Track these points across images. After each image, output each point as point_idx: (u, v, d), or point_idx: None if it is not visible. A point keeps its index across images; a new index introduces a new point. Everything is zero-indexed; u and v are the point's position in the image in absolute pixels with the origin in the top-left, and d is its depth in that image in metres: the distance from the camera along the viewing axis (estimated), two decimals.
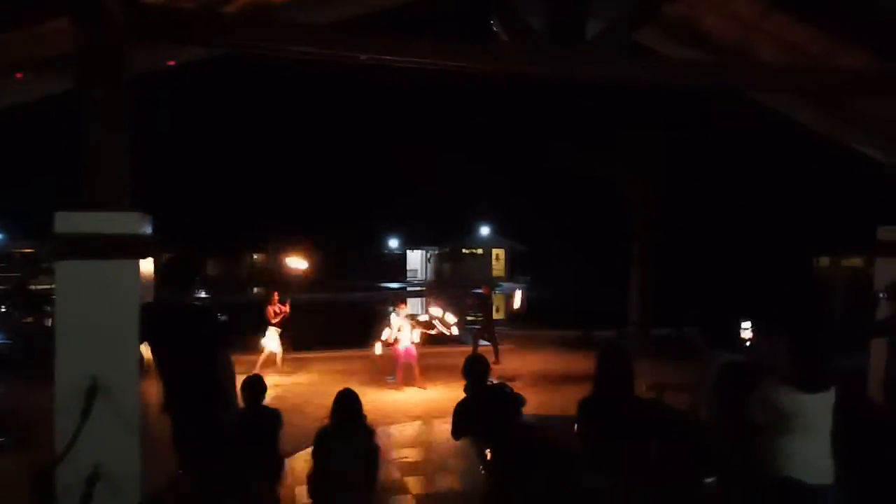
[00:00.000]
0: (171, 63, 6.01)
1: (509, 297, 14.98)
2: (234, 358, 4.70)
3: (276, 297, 12.53)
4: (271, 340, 12.27)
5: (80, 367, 4.29)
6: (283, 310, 12.38)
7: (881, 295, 5.65)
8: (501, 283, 47.93)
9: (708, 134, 17.61)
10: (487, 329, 14.03)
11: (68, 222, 4.35)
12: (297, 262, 12.35)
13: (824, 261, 43.56)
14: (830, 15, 6.20)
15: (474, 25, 5.89)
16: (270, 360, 12.31)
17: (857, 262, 36.87)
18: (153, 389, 4.69)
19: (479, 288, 14.72)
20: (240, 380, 5.02)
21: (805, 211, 37.75)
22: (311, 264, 52.56)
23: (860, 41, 6.28)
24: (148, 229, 4.68)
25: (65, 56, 4.77)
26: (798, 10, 6.38)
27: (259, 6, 5.60)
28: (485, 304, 14.26)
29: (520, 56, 5.58)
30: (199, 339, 4.59)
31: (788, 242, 38.77)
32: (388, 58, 5.39)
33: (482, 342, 13.92)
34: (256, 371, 11.88)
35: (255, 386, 5.16)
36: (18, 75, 5.70)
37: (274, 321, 12.30)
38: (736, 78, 6.40)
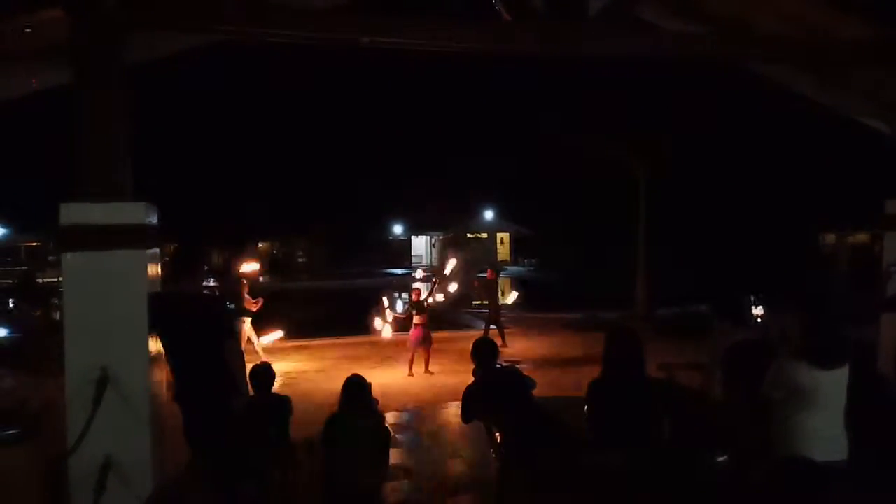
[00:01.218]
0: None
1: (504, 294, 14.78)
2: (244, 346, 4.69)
3: (245, 288, 12.05)
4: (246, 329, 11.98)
5: (90, 359, 4.31)
6: (252, 302, 11.94)
7: (893, 269, 5.60)
8: (507, 267, 47.93)
9: (712, 111, 17.52)
10: (492, 313, 14.03)
11: (73, 214, 4.34)
12: (248, 266, 11.89)
13: (830, 237, 43.43)
14: None
15: (475, 5, 5.83)
16: (274, 348, 12.30)
17: (863, 237, 36.76)
18: (164, 378, 4.69)
19: (484, 272, 14.68)
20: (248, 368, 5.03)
21: (810, 187, 37.57)
22: (317, 251, 52.17)
23: (858, 10, 6.19)
24: (154, 219, 4.66)
25: (64, 46, 4.73)
26: None
27: None
28: (490, 289, 14.24)
29: (523, 35, 5.53)
30: (207, 328, 4.59)
31: (794, 219, 38.60)
32: (390, 40, 5.34)
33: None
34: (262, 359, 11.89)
35: (265, 374, 5.16)
36: (34, 81, 5.69)
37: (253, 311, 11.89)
38: (735, 49, 6.35)
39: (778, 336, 4.11)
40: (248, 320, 11.89)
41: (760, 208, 39.86)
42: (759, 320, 8.41)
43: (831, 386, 3.75)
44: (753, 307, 8.51)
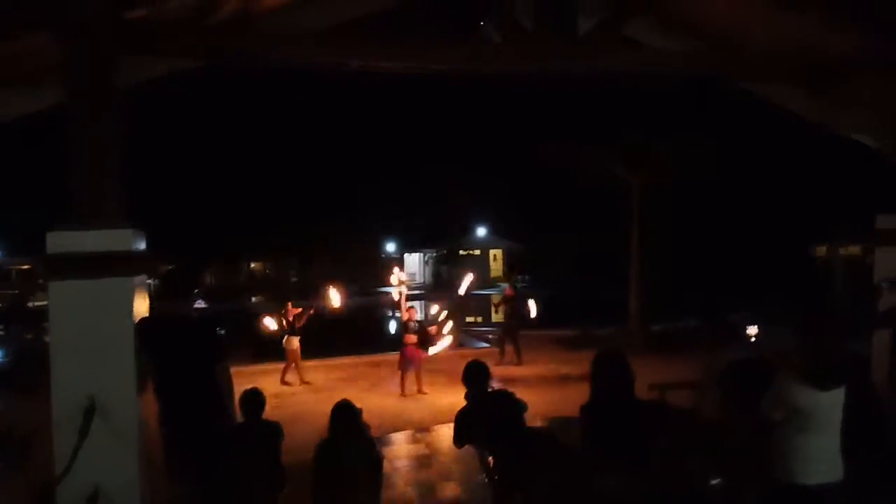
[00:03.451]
0: None
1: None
2: (238, 369, 4.64)
3: (290, 306, 12.34)
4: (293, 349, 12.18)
5: (77, 387, 4.25)
6: (298, 315, 12.21)
7: (884, 284, 5.59)
8: (499, 284, 47.84)
9: (703, 125, 17.60)
10: (510, 330, 13.93)
11: (59, 242, 4.30)
12: (334, 297, 11.76)
13: (821, 250, 43.62)
14: None
15: (464, 26, 5.85)
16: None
17: (854, 250, 36.90)
18: (153, 406, 4.63)
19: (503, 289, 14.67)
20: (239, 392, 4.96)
21: (802, 200, 37.76)
22: (310, 270, 52.01)
23: (849, 23, 6.24)
24: (141, 245, 4.62)
25: (56, 69, 4.72)
26: None
27: (245, 15, 5.54)
28: (514, 305, 14.13)
29: (513, 55, 5.55)
30: (198, 352, 4.54)
31: (786, 232, 38.77)
32: (379, 63, 5.35)
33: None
34: (283, 380, 12.14)
35: (254, 399, 5.09)
36: None
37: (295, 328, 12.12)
38: (726, 66, 6.39)
39: (775, 356, 4.08)
40: (296, 339, 12.12)
41: (754, 220, 40.02)
42: (753, 339, 8.38)
43: (830, 407, 3.72)
44: (748, 326, 8.48)
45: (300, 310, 12.30)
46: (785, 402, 3.71)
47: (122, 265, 4.36)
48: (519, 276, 51.76)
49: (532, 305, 14.36)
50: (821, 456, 3.71)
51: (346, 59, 5.25)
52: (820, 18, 6.29)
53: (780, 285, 21.31)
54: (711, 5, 6.89)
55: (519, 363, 13.40)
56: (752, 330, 8.54)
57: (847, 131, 7.90)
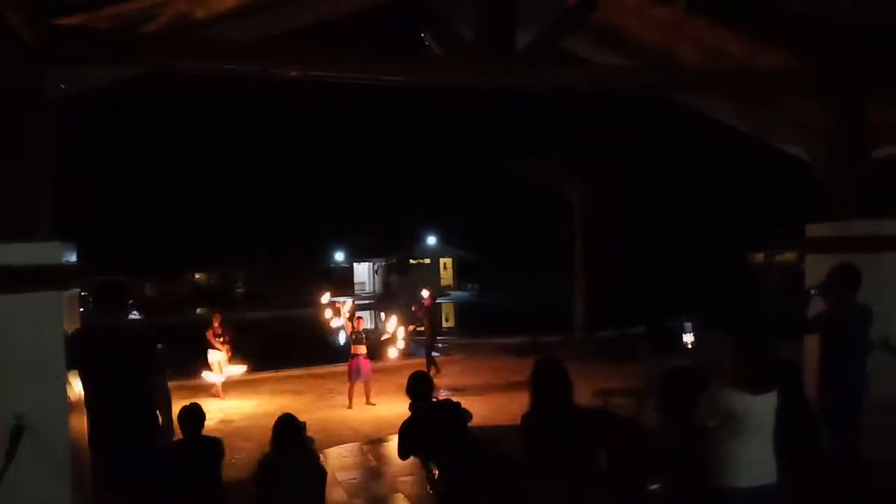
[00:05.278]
0: None
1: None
2: (179, 383, 4.52)
3: (218, 319, 12.19)
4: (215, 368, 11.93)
5: (4, 406, 4.09)
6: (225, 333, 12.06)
7: (813, 292, 5.77)
8: (449, 292, 48.02)
9: (644, 138, 18.03)
10: (429, 340, 13.93)
11: None
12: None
13: (759, 256, 44.93)
14: (744, 18, 6.38)
15: (405, 38, 5.87)
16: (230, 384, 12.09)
17: (790, 256, 38.14)
18: (82, 421, 4.47)
19: (424, 298, 14.66)
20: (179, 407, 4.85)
21: (739, 208, 38.91)
22: (256, 280, 51.27)
23: (776, 43, 6.49)
24: (71, 258, 4.49)
25: None
26: (712, 13, 6.55)
27: (181, 24, 5.45)
28: (428, 315, 14.12)
29: (453, 68, 5.60)
30: (133, 365, 4.40)
31: (724, 239, 39.85)
32: (319, 73, 5.32)
33: (432, 353, 13.85)
34: (220, 396, 11.80)
35: (193, 415, 4.97)
36: None
37: (218, 346, 11.95)
38: (660, 80, 6.57)
39: (709, 362, 4.17)
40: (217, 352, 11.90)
41: (692, 230, 41.06)
42: (689, 346, 8.52)
43: (762, 411, 3.81)
44: (685, 333, 8.62)
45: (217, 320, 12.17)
46: (718, 408, 3.79)
47: (49, 278, 4.23)
48: (469, 285, 52.15)
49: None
50: (755, 459, 3.80)
51: (285, 69, 5.21)
52: (746, 38, 6.54)
53: (718, 292, 21.84)
54: (644, 23, 7.08)
55: (437, 372, 13.27)
56: (690, 337, 8.69)
57: (780, 144, 8.18)
